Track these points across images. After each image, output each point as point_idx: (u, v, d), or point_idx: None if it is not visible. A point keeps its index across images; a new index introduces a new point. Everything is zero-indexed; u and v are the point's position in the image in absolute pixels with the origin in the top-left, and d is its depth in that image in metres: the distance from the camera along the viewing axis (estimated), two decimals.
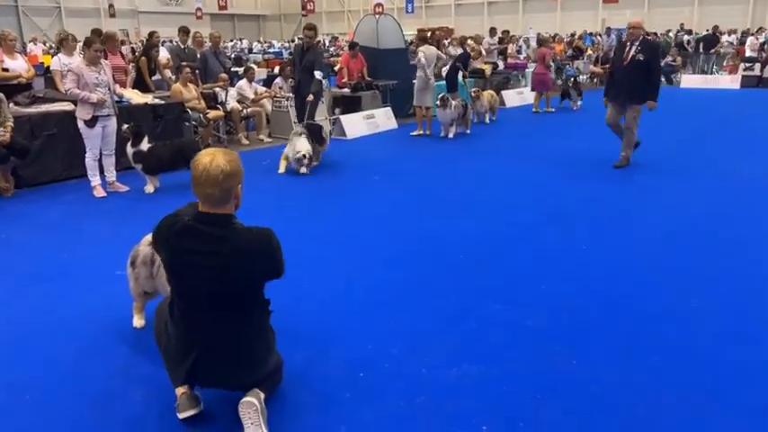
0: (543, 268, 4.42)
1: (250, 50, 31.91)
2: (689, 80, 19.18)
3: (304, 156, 7.37)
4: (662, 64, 20.73)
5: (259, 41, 37.55)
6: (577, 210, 5.89)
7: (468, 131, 10.58)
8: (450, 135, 10.18)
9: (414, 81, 10.47)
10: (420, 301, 3.89)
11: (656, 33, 24.13)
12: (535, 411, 2.73)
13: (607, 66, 20.26)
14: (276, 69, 20.51)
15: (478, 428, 2.62)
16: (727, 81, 18.36)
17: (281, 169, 7.57)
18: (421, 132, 10.45)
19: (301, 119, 8.61)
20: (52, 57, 16.24)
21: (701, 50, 21.38)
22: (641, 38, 7.14)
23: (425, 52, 9.91)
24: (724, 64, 20.06)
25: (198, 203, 2.73)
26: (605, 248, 4.81)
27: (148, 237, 3.42)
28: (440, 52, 10.13)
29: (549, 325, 3.55)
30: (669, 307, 3.76)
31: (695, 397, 2.83)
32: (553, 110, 13.23)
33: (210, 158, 2.35)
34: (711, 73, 20.13)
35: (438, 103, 10.02)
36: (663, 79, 20.28)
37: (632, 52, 7.02)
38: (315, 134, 7.79)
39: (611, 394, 2.86)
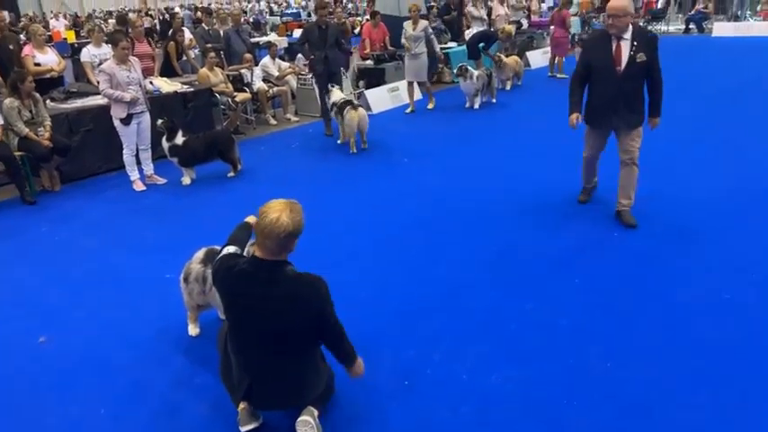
0: (577, 259, 4.52)
1: (271, 12, 31.57)
2: (721, 28, 18.53)
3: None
4: (693, 11, 20.17)
5: (276, 2, 37.06)
6: (609, 192, 5.91)
7: (494, 100, 10.50)
8: (476, 106, 10.13)
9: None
10: (454, 301, 4.04)
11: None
12: (576, 420, 2.90)
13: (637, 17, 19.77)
14: (295, 33, 20.36)
15: None
16: (762, 27, 17.69)
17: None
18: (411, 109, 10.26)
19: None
20: (76, 33, 16.36)
21: None
22: (633, 28, 4.69)
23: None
24: (758, 9, 19.27)
25: (249, 226, 2.94)
26: (640, 234, 4.88)
27: (199, 254, 3.61)
28: (427, 25, 9.86)
29: (583, 323, 3.68)
30: (703, 301, 3.85)
31: (736, 403, 2.96)
32: (566, 76, 12.68)
33: (277, 216, 2.49)
34: (744, 19, 19.38)
35: (456, 72, 9.96)
36: (693, 27, 19.85)
37: (627, 51, 4.63)
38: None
39: (649, 400, 3.00)
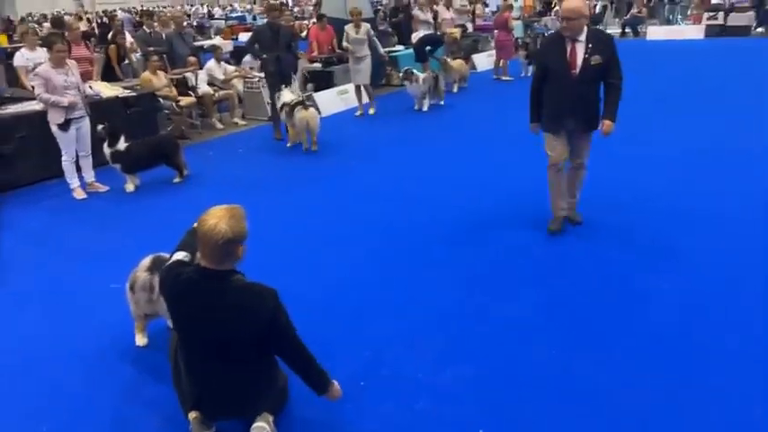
0: (528, 255, 4.62)
1: (211, 16, 31.03)
2: (654, 32, 19.35)
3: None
4: (628, 16, 20.96)
5: (219, 5, 36.49)
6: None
7: (442, 102, 10.63)
8: (425, 108, 10.23)
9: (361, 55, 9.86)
10: (410, 300, 4.07)
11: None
12: (530, 411, 2.96)
13: None
14: (240, 36, 20.10)
15: (476, 431, 2.84)
16: (692, 31, 18.58)
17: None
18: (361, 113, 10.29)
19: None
20: (8, 38, 15.68)
21: (665, 0, 21.53)
22: (588, 30, 4.53)
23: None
24: (688, 14, 20.24)
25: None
26: (596, 227, 5.01)
27: (145, 262, 3.51)
28: (369, 27, 9.92)
29: (536, 318, 3.77)
30: (649, 288, 4.01)
31: (680, 387, 3.09)
32: (511, 78, 13.00)
33: (215, 222, 2.42)
34: (676, 23, 20.31)
35: (402, 76, 10.05)
36: (629, 30, 20.66)
37: (582, 54, 4.49)
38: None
39: (604, 390, 3.08)
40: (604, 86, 4.65)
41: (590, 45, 4.48)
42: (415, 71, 10.14)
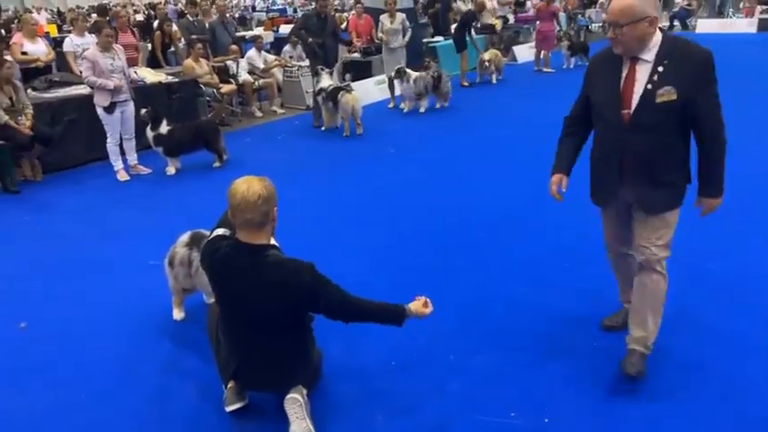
0: (568, 245, 4.52)
1: (253, 8, 31.40)
2: (705, 25, 18.72)
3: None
4: (677, 8, 20.27)
5: None
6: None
7: (438, 105, 9.76)
8: (421, 110, 9.51)
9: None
10: (445, 284, 4.05)
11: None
12: (559, 397, 2.91)
13: None
14: (281, 28, 20.32)
15: (507, 415, 2.81)
16: (744, 25, 17.91)
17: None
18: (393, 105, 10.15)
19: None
20: (57, 27, 16.18)
21: None
22: (662, 42, 2.62)
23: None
24: (740, 6, 19.52)
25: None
26: None
27: (184, 237, 3.58)
28: (404, 18, 9.81)
29: (572, 306, 3.70)
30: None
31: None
32: (553, 70, 12.81)
33: (247, 185, 2.46)
34: (728, 16, 19.60)
35: (392, 74, 9.50)
36: (677, 24, 19.95)
37: (643, 82, 2.65)
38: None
39: (629, 378, 3.00)
40: (696, 139, 2.76)
41: (659, 69, 2.62)
42: (408, 70, 9.44)
